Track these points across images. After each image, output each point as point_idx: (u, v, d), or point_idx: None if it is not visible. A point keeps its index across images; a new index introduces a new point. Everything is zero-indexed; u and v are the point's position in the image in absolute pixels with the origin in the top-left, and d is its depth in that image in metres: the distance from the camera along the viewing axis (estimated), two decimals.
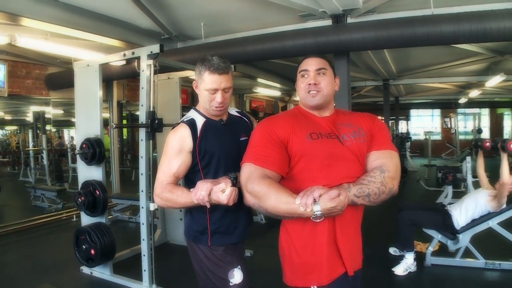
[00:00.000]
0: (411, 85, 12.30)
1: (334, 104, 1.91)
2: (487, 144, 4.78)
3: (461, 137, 16.42)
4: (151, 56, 3.88)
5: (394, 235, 4.68)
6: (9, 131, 18.16)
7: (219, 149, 2.15)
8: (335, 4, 4.46)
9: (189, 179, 2.19)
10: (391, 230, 4.87)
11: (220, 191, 1.86)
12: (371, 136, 1.80)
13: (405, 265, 4.31)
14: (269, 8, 4.77)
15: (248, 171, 1.71)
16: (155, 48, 3.83)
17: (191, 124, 2.13)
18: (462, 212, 4.34)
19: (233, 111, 2.38)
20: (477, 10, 4.18)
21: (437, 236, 4.45)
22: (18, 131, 16.32)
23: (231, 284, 2.13)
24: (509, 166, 4.17)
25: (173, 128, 2.18)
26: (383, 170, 1.67)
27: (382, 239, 5.21)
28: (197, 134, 2.11)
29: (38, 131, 11.60)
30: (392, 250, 4.82)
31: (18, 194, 9.80)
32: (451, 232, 4.37)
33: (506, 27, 3.99)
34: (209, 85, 2.08)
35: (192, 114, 2.21)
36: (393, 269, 4.32)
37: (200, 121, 2.16)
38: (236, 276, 2.14)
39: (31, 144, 11.75)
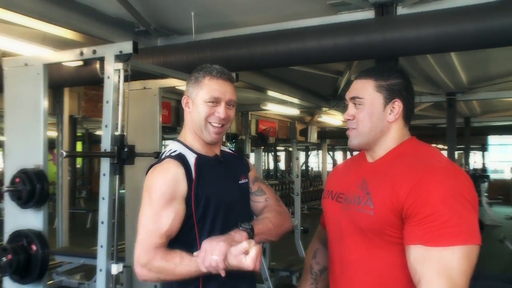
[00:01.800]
0: (489, 101, 12.25)
1: (412, 136, 1.88)
2: None
3: None
4: (121, 57, 3.92)
5: None
6: None
7: (218, 195, 2.14)
8: None
9: (176, 239, 2.13)
10: None
11: (243, 253, 1.81)
12: (406, 211, 1.61)
13: None
14: None
15: None
16: (127, 46, 3.88)
17: (182, 160, 2.12)
18: None
19: (224, 148, 2.43)
20: None
21: None
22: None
23: None
24: None
25: (153, 165, 2.17)
26: None
27: None
28: (191, 174, 2.09)
29: None
30: None
31: None
32: None
33: None
34: (211, 93, 2.12)
35: (177, 147, 2.22)
36: None
37: (191, 157, 2.16)
38: None
39: None
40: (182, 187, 2.06)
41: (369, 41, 4.73)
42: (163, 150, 2.28)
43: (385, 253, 1.66)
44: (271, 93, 9.51)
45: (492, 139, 20.98)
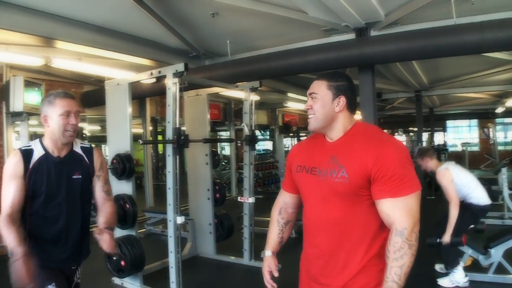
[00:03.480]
0: (445, 96, 12.04)
1: (357, 120, 1.86)
2: None
3: (501, 147, 15.91)
4: (177, 74, 4.00)
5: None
6: None
7: (45, 187, 2.17)
8: (357, 18, 4.48)
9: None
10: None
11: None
12: (374, 175, 1.63)
13: (452, 279, 4.21)
14: (293, 24, 4.85)
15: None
16: (180, 67, 3.96)
17: (26, 154, 2.18)
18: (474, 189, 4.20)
19: (78, 146, 2.38)
20: (501, 17, 4.09)
21: (468, 251, 4.35)
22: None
23: None
24: None
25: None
26: (401, 233, 1.58)
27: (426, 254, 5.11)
28: (29, 165, 2.16)
29: None
30: (438, 268, 4.61)
31: None
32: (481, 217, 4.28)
33: None
34: (63, 109, 2.16)
35: (33, 143, 2.26)
36: (438, 279, 4.28)
37: (38, 154, 2.20)
38: None
39: None
40: (20, 170, 2.12)
41: (351, 54, 4.75)
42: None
43: (360, 207, 1.68)
44: (290, 94, 9.51)
45: (450, 123, 20.65)
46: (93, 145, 2.51)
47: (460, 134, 21.07)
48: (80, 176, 2.30)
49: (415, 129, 11.51)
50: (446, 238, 4.00)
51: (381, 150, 1.64)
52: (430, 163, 4.32)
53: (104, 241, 2.24)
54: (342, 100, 1.77)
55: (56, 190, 2.20)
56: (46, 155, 2.22)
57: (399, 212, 1.59)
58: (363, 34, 4.85)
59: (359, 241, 1.70)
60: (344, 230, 1.71)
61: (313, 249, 1.84)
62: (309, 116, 1.81)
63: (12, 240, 1.97)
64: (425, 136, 15.02)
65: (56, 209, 2.21)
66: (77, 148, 2.37)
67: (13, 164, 2.14)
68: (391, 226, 1.62)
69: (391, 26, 4.76)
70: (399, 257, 1.57)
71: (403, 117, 17.20)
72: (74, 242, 2.30)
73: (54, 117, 2.17)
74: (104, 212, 2.39)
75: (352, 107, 1.81)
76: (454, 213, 3.97)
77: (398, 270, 1.57)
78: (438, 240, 4.09)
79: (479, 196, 4.22)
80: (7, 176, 2.12)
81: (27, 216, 2.17)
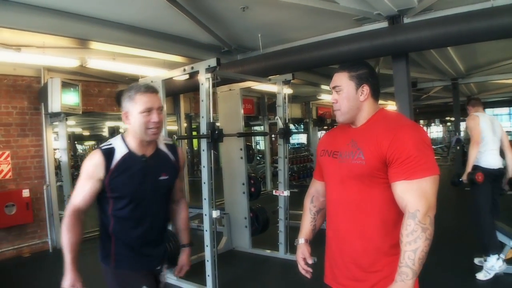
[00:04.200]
0: (483, 83, 11.68)
1: (381, 107, 1.85)
2: None
3: None
4: (209, 69, 4.02)
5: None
6: (88, 146, 19.50)
7: (130, 189, 2.03)
8: (389, 5, 4.37)
9: (100, 210, 2.13)
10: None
11: None
12: (389, 157, 1.63)
13: (486, 268, 4.16)
14: (324, 15, 4.77)
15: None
16: (212, 62, 3.96)
17: (107, 154, 2.01)
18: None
19: (162, 143, 2.22)
20: None
21: (509, 243, 4.20)
22: (96, 146, 17.44)
23: None
24: None
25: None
26: (414, 215, 1.55)
27: (465, 248, 5.04)
28: (111, 166, 1.99)
29: None
30: (478, 261, 4.50)
31: None
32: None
33: None
34: (144, 105, 1.98)
35: (115, 141, 2.08)
36: (476, 274, 4.20)
37: (120, 153, 2.03)
38: None
39: None
40: (99, 172, 1.97)
41: (384, 43, 4.64)
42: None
43: (376, 190, 1.68)
44: (323, 86, 9.40)
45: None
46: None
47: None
48: (167, 177, 2.15)
49: (452, 118, 11.18)
50: (465, 176, 4.36)
51: (397, 133, 1.64)
52: (471, 110, 4.69)
53: (184, 260, 2.33)
54: (366, 88, 1.78)
55: (142, 192, 2.05)
56: (130, 154, 2.04)
57: (413, 194, 1.57)
58: (396, 21, 4.72)
59: (376, 224, 1.69)
60: (360, 211, 1.71)
61: (334, 231, 1.86)
62: (335, 109, 1.83)
63: (68, 240, 1.95)
64: (462, 125, 14.59)
65: (141, 211, 2.08)
66: (162, 146, 2.20)
67: (93, 165, 1.98)
68: (404, 209, 1.59)
69: (424, 13, 4.60)
70: (412, 240, 1.53)
71: (439, 107, 16.80)
72: (157, 242, 2.21)
73: (135, 114, 1.99)
74: (182, 219, 2.41)
75: (376, 93, 1.82)
76: (472, 152, 4.31)
77: (411, 254, 1.53)
78: (459, 179, 4.50)
79: (488, 159, 4.36)
80: (85, 174, 2.00)
81: (110, 217, 2.06)
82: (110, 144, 2.05)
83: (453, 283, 4.18)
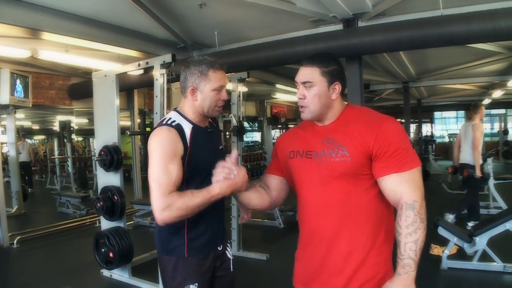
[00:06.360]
0: (432, 87, 12.08)
1: (346, 103, 1.80)
2: None
3: (487, 138, 16.07)
4: (164, 65, 3.95)
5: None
6: (37, 141, 18.77)
7: (206, 160, 1.91)
8: (345, 8, 4.46)
9: None
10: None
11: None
12: (376, 152, 1.60)
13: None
14: (281, 15, 4.81)
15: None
16: (168, 57, 3.90)
17: (178, 129, 1.87)
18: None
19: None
20: (488, 8, 4.10)
21: (453, 239, 4.42)
22: (46, 141, 16.83)
23: None
24: None
25: (153, 130, 1.93)
26: (413, 206, 1.53)
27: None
28: (187, 141, 1.87)
29: (64, 140, 11.99)
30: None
31: (45, 201, 10.14)
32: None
33: None
34: (218, 83, 1.92)
35: (175, 117, 1.94)
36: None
37: (187, 127, 1.91)
38: None
39: (56, 153, 12.11)
40: (180, 148, 1.83)
41: (339, 45, 4.73)
42: (163, 118, 1.97)
43: (360, 188, 1.63)
44: (278, 85, 9.45)
45: (437, 114, 20.84)
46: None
47: (448, 125, 21.25)
48: (222, 147, 2.16)
49: (403, 120, 11.55)
50: (478, 172, 5.89)
51: (380, 126, 1.61)
52: (475, 116, 6.28)
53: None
54: (338, 87, 1.71)
55: (213, 164, 1.83)
56: (196, 127, 1.94)
57: (407, 185, 1.55)
58: (351, 25, 4.83)
59: (362, 225, 1.63)
60: (346, 212, 1.64)
61: (313, 235, 1.73)
62: (302, 106, 1.73)
63: (197, 193, 1.74)
64: (412, 127, 15.16)
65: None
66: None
67: (171, 142, 1.81)
68: (398, 202, 1.57)
69: (378, 17, 4.75)
70: (413, 231, 1.51)
71: (391, 109, 17.26)
72: (221, 220, 2.11)
73: (206, 91, 1.91)
74: None
75: (343, 91, 1.76)
76: (477, 156, 5.90)
77: (413, 245, 1.51)
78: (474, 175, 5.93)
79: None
80: (164, 154, 1.78)
81: None
82: (173, 120, 1.90)
83: None
